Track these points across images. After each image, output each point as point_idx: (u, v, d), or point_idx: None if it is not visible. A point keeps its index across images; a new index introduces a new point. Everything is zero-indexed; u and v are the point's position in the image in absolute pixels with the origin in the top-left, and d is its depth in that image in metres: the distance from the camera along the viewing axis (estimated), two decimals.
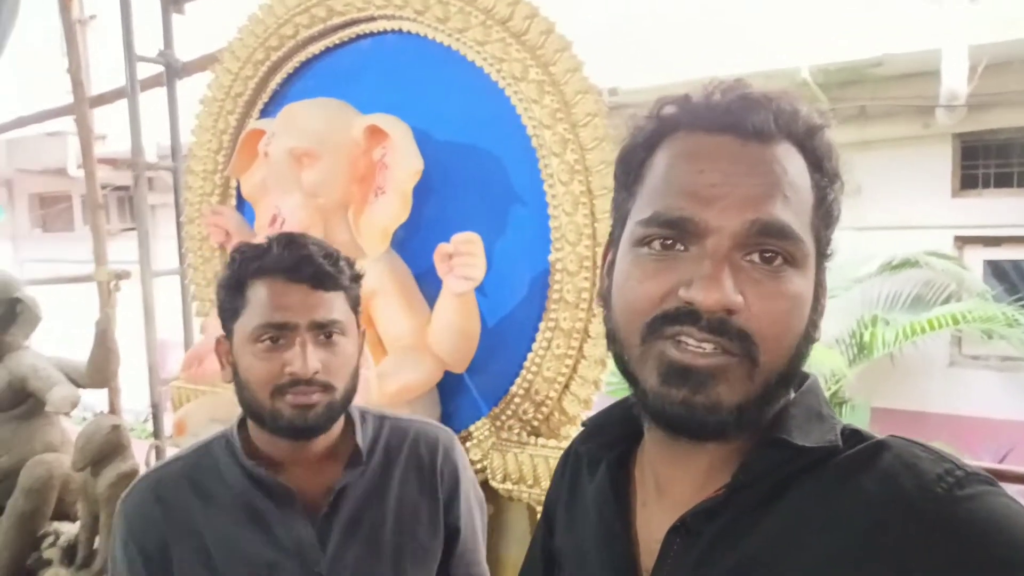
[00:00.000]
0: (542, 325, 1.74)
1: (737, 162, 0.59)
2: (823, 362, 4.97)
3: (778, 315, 0.58)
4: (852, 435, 0.62)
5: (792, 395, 0.65)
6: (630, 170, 0.66)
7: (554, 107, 1.65)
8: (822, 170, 0.63)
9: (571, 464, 0.81)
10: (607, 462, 0.72)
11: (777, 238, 0.58)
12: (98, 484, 2.22)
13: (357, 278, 1.14)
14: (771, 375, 0.59)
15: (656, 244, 0.61)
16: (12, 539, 2.21)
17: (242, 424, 1.15)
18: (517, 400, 1.79)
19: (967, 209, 5.87)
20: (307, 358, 1.02)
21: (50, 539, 2.32)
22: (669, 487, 0.67)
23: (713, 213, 0.58)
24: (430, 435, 1.22)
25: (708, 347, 0.58)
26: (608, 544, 0.69)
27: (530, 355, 1.76)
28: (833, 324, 5.51)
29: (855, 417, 5.35)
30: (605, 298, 0.67)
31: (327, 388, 1.05)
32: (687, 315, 0.58)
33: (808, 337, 0.62)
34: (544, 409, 1.77)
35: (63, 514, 2.41)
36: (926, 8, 4.32)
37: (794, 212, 0.59)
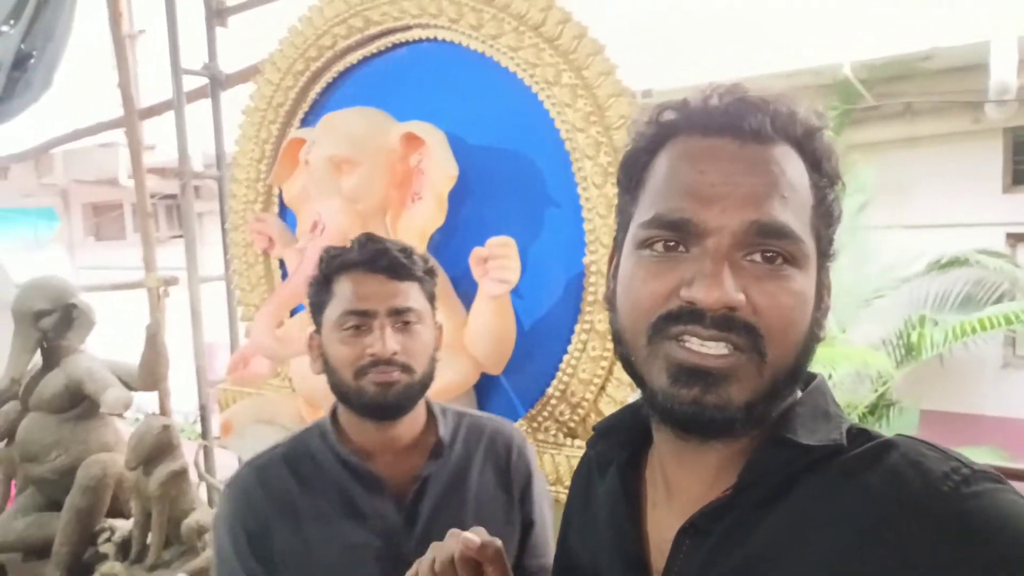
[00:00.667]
0: (577, 327, 1.75)
1: (736, 163, 0.60)
2: (869, 363, 4.85)
3: (782, 311, 0.59)
4: (860, 434, 0.62)
5: (799, 394, 0.65)
6: (632, 175, 0.67)
7: (587, 110, 1.66)
8: (821, 171, 0.63)
9: (585, 467, 0.82)
10: (617, 464, 0.73)
11: (776, 238, 0.59)
12: (150, 482, 2.29)
13: (431, 272, 1.22)
14: (779, 371, 0.60)
15: (658, 246, 0.62)
16: (70, 534, 2.29)
17: (334, 415, 1.23)
18: (553, 402, 1.80)
19: (1020, 205, 5.68)
20: (386, 340, 1.12)
21: (106, 534, 2.40)
22: (678, 487, 0.67)
23: (713, 213, 0.59)
24: (505, 433, 1.28)
25: (713, 346, 0.58)
26: (619, 544, 0.70)
27: (566, 357, 1.77)
28: (880, 325, 5.38)
29: (903, 420, 5.22)
30: (611, 301, 0.69)
31: (406, 368, 1.14)
32: (690, 314, 0.59)
33: (813, 335, 0.62)
34: (580, 411, 1.78)
35: (118, 511, 2.49)
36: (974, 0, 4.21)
37: (793, 212, 0.60)
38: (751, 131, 0.61)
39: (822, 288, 0.64)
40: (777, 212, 0.59)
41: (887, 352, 5.21)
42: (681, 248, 0.61)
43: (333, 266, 1.17)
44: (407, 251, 1.19)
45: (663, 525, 0.67)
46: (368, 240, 1.18)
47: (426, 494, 1.17)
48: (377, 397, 1.12)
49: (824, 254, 0.64)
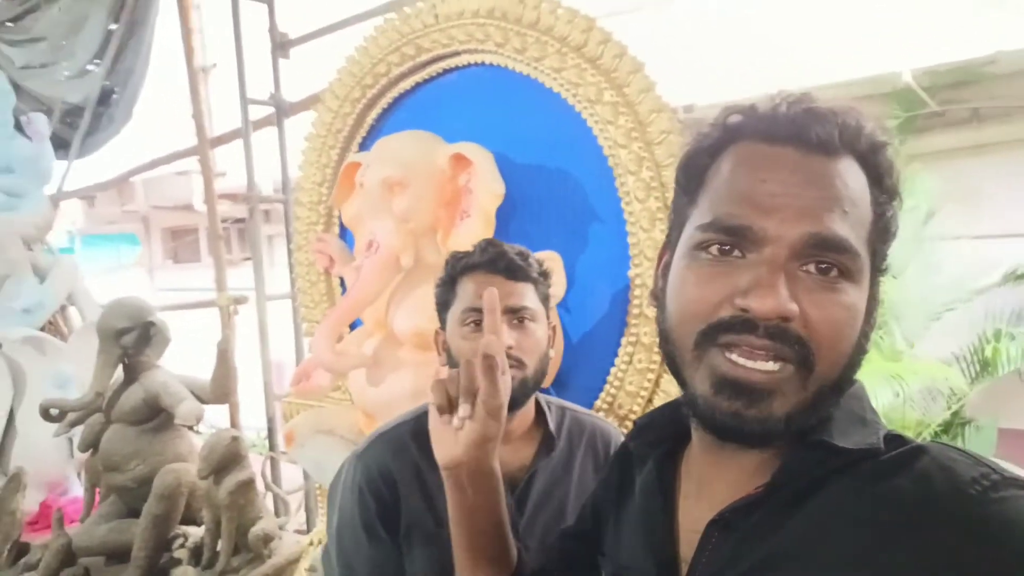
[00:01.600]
0: (624, 340, 1.78)
1: (798, 173, 0.60)
2: (940, 379, 4.66)
3: (833, 324, 0.59)
4: (894, 440, 0.62)
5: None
6: (692, 176, 0.67)
7: (628, 127, 1.70)
8: (882, 186, 0.63)
9: (622, 459, 0.85)
10: (655, 458, 0.75)
11: (834, 251, 0.59)
12: (220, 491, 2.40)
13: (545, 274, 1.31)
14: (824, 383, 0.60)
15: (714, 249, 0.62)
16: (148, 540, 2.41)
17: None
18: (601, 415, 1.83)
19: None
20: (501, 335, 1.18)
21: (180, 540, 2.51)
22: (711, 484, 0.69)
23: (772, 223, 0.59)
24: (605, 431, 1.35)
25: (763, 363, 0.59)
26: (651, 534, 0.72)
27: (613, 370, 1.80)
28: (952, 339, 5.16)
29: (980, 438, 4.98)
30: (659, 298, 0.69)
31: (519, 364, 1.20)
32: (743, 324, 0.59)
33: (860, 348, 0.62)
34: (628, 423, 1.80)
35: (191, 519, 2.61)
36: None
37: (851, 226, 0.60)
38: (816, 142, 0.61)
39: (873, 302, 0.64)
40: (836, 225, 0.59)
41: (960, 368, 4.99)
42: (736, 253, 0.61)
43: (458, 268, 1.27)
44: (524, 255, 1.28)
45: (694, 518, 0.68)
46: (489, 244, 1.28)
47: (534, 485, 1.24)
48: None
49: (877, 269, 0.64)
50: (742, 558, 0.62)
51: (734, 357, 0.59)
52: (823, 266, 0.59)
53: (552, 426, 1.28)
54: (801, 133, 0.61)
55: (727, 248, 0.61)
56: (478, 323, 1.22)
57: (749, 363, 0.59)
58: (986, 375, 4.95)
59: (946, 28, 4.24)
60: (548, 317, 1.31)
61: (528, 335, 1.23)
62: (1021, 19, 4.02)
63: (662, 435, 0.76)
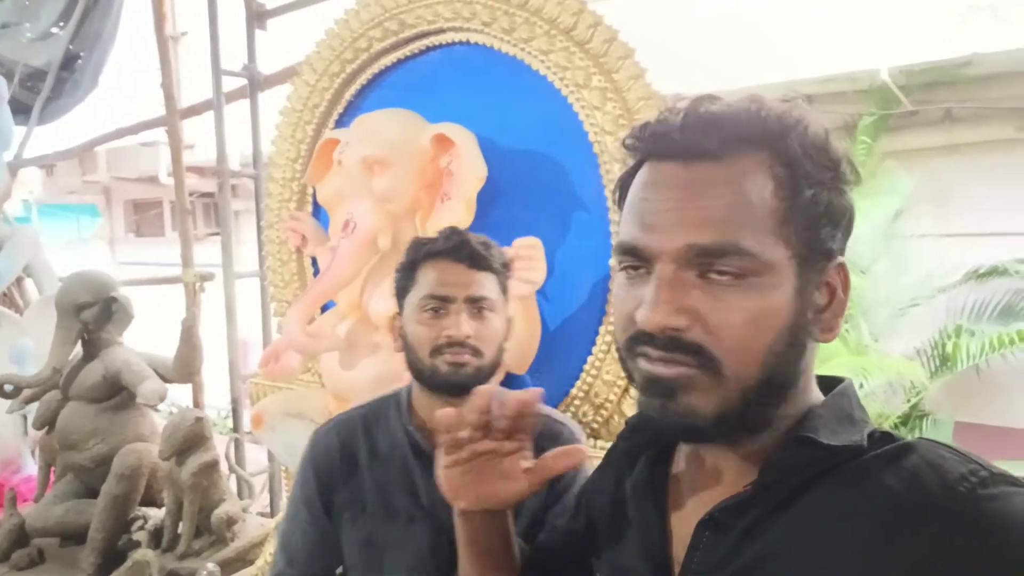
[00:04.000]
0: (602, 329, 1.76)
1: (678, 188, 0.62)
2: (903, 373, 4.76)
3: (735, 327, 0.60)
4: (883, 437, 0.63)
5: (822, 398, 0.66)
6: (620, 197, 0.71)
7: (616, 113, 1.67)
8: (796, 169, 0.61)
9: (615, 460, 0.84)
10: (646, 458, 0.76)
11: (719, 257, 0.60)
12: (182, 472, 2.35)
13: (507, 265, 1.33)
14: (745, 382, 0.61)
15: (628, 269, 0.66)
16: (105, 521, 2.35)
17: (410, 390, 1.34)
18: (577, 403, 1.81)
19: None
20: (461, 324, 1.23)
21: (139, 522, 2.46)
22: (701, 485, 0.70)
23: (656, 239, 0.62)
24: (553, 429, 1.35)
25: (662, 364, 0.62)
26: (643, 535, 0.72)
27: (590, 358, 1.78)
28: (915, 335, 5.28)
29: (938, 432, 5.10)
30: None
31: (477, 352, 1.24)
32: (644, 337, 0.62)
33: (793, 341, 0.61)
34: (604, 412, 1.79)
35: (151, 500, 2.55)
36: (1017, 5, 4.11)
37: (741, 225, 0.60)
38: (701, 150, 0.62)
39: (808, 289, 0.62)
40: (716, 232, 0.60)
41: (921, 362, 5.11)
42: (643, 270, 0.64)
43: (420, 254, 1.28)
44: (487, 244, 1.29)
45: (685, 518, 0.69)
46: (452, 232, 1.29)
47: None
48: (449, 375, 1.23)
49: (809, 254, 0.62)
50: (733, 557, 0.62)
51: (647, 363, 0.63)
52: (721, 270, 0.60)
53: None
54: (685, 145, 0.62)
55: (636, 266, 0.65)
56: (436, 310, 1.24)
57: (652, 365, 0.63)
58: (946, 370, 5.07)
59: (924, 28, 4.29)
60: (506, 308, 1.32)
61: (487, 325, 1.26)
62: (997, 23, 4.07)
63: (652, 435, 0.76)
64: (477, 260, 1.26)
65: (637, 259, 0.64)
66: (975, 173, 5.05)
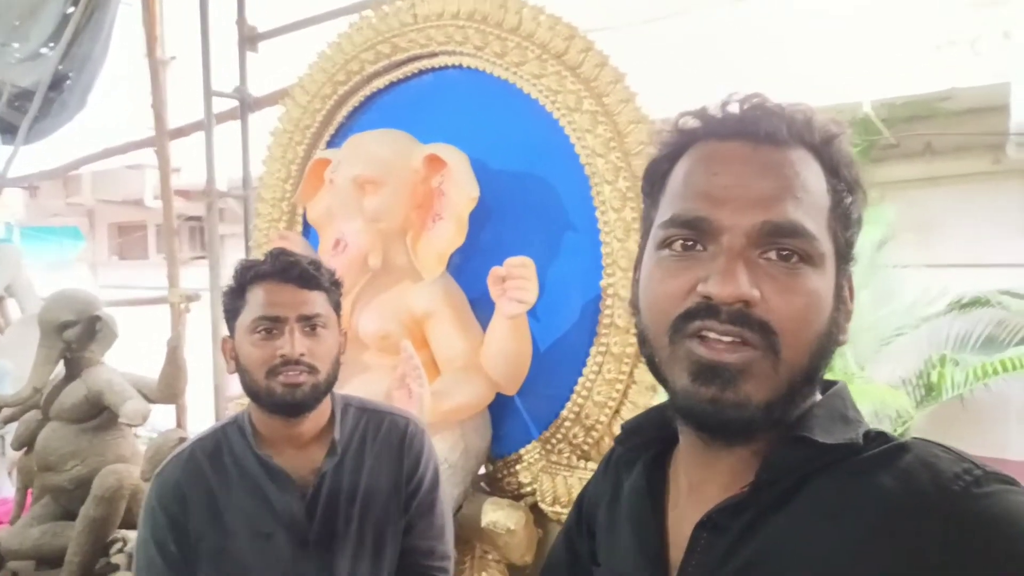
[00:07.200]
0: (593, 350, 1.76)
1: (749, 164, 0.63)
2: (889, 403, 4.79)
3: (796, 309, 0.60)
4: (878, 437, 0.63)
5: (818, 398, 0.67)
6: (654, 181, 0.70)
7: (607, 136, 1.69)
8: (838, 175, 0.65)
9: (613, 464, 0.84)
10: (643, 462, 0.76)
11: (789, 236, 0.61)
12: None
13: (336, 283, 1.34)
14: (795, 370, 0.61)
15: (676, 244, 0.64)
16: (83, 544, 2.30)
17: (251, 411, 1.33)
18: (567, 424, 1.80)
19: None
20: (295, 343, 1.23)
21: (118, 545, 2.40)
22: (698, 487, 0.69)
23: (726, 213, 0.61)
24: (399, 424, 1.38)
25: (730, 340, 0.60)
26: (641, 538, 0.72)
27: (581, 379, 1.78)
28: (900, 364, 5.32)
29: None
30: (635, 304, 0.71)
31: (312, 370, 1.24)
32: (707, 310, 0.60)
33: (831, 336, 0.63)
34: (595, 433, 1.78)
35: (131, 523, 2.50)
36: (994, 41, 4.22)
37: (806, 211, 0.62)
38: (765, 134, 0.63)
39: (841, 290, 0.65)
40: (789, 212, 0.61)
41: (907, 392, 5.14)
42: (699, 247, 0.63)
43: (247, 276, 1.27)
44: (316, 264, 1.30)
45: (683, 521, 0.69)
46: (280, 253, 1.29)
47: (323, 488, 1.27)
48: (285, 396, 1.22)
49: (843, 256, 0.65)
50: (731, 559, 0.62)
51: (705, 337, 0.61)
52: (784, 252, 0.61)
53: (338, 432, 1.31)
54: (750, 127, 0.63)
55: (689, 243, 0.63)
56: (269, 331, 1.23)
57: (718, 339, 0.60)
58: (931, 399, 5.10)
59: (904, 62, 4.39)
60: (339, 324, 1.33)
61: (321, 342, 1.26)
62: (976, 58, 4.18)
63: (649, 439, 0.76)
64: (307, 279, 1.26)
65: (698, 232, 0.63)
66: (955, 203, 5.14)
